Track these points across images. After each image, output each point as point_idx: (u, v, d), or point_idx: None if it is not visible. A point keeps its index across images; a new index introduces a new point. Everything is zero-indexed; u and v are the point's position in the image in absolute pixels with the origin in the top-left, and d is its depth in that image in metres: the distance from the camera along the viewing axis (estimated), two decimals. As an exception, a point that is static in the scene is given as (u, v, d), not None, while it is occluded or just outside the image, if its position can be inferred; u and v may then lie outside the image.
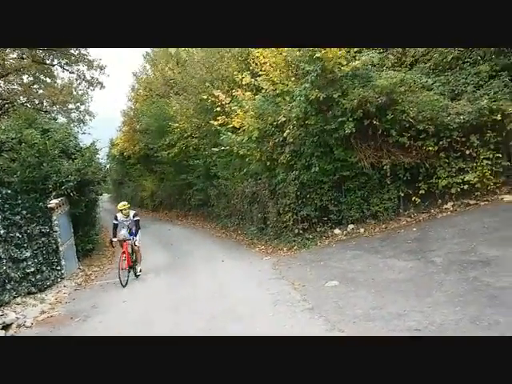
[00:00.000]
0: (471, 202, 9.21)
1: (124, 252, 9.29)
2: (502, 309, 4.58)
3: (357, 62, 9.59)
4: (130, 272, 9.49)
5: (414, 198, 9.70)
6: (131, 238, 9.61)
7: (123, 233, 9.69)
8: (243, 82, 12.41)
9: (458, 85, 10.64)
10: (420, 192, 9.66)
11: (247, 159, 12.03)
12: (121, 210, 9.74)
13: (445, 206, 9.45)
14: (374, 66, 10.63)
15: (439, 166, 9.59)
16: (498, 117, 9.18)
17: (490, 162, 9.20)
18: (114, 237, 9.74)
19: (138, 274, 9.79)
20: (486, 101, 9.51)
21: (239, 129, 12.18)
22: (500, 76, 9.92)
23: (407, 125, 9.56)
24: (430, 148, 9.49)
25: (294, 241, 10.22)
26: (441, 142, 9.52)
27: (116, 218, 9.79)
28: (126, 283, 9.16)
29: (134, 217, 9.85)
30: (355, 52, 10.05)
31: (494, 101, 9.51)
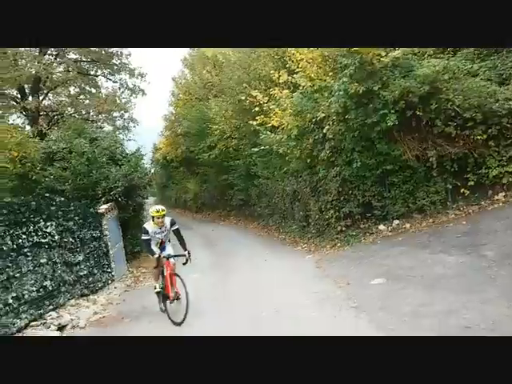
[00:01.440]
0: (525, 191, 8.71)
1: (170, 275, 6.80)
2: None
3: (396, 51, 9.27)
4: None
5: (462, 189, 9.26)
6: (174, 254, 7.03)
7: (157, 249, 7.14)
8: (280, 81, 12.41)
9: (506, 68, 10.05)
10: (469, 183, 9.20)
11: (287, 157, 12.01)
12: (153, 218, 6.93)
13: (496, 197, 8.95)
14: (415, 54, 10.25)
15: (489, 155, 9.09)
16: (553, 100, 8.61)
17: (544, 149, 8.64)
18: (152, 254, 6.96)
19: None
20: (538, 84, 8.95)
21: (278, 127, 12.21)
22: (554, 57, 9.29)
23: (453, 113, 9.14)
24: (479, 137, 9.01)
25: (337, 238, 10.09)
26: (490, 130, 9.01)
27: (146, 232, 6.95)
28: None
29: (171, 225, 7.11)
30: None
31: (545, 83, 8.94)
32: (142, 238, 7.09)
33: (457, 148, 9.26)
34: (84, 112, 24.08)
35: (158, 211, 6.91)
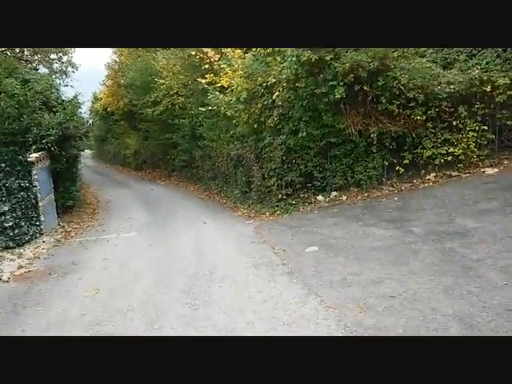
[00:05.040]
0: (453, 173, 9.29)
1: None
2: (475, 280, 4.71)
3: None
4: None
5: (397, 167, 9.73)
6: None
7: None
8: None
9: (451, 53, 10.54)
10: (404, 162, 9.68)
11: (234, 121, 11.79)
12: None
13: (427, 177, 9.52)
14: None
15: (425, 136, 9.57)
16: (488, 88, 9.16)
17: (475, 135, 9.23)
18: None
19: None
20: (477, 71, 9.46)
21: (227, 88, 11.89)
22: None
23: (397, 92, 9.43)
24: (418, 117, 9.42)
25: (277, 206, 10.24)
26: (429, 112, 9.45)
27: None
28: None
29: None
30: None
31: (486, 71, 9.45)
32: None
33: (397, 126, 9.62)
34: (17, 50, 21.89)
35: None
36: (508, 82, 9.10)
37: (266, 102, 10.70)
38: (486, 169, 9.10)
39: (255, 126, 11.07)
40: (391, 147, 9.76)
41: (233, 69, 11.56)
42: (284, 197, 10.31)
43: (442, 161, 9.37)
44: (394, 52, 9.50)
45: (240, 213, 11.05)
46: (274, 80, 10.25)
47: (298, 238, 7.77)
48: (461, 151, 9.24)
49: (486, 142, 9.36)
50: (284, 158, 10.25)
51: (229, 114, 11.62)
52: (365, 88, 9.40)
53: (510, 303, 4.12)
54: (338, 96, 9.16)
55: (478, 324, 3.81)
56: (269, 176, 10.52)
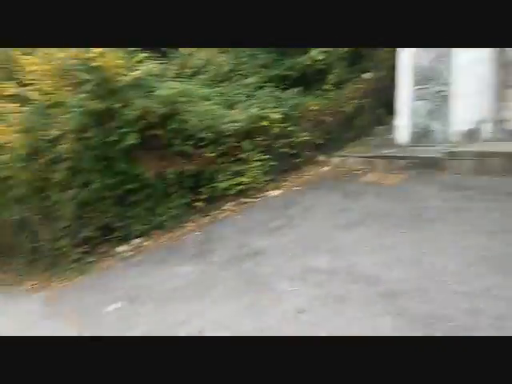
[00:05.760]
0: (246, 200, 9.97)
1: None
2: (269, 292, 4.86)
3: (137, 71, 9.31)
4: None
5: (197, 203, 9.92)
6: None
7: None
8: (7, 93, 10.66)
9: (232, 95, 11.61)
10: (203, 197, 9.95)
11: (11, 182, 10.19)
12: None
13: (224, 207, 9.96)
14: (156, 76, 10.52)
15: (218, 171, 10.13)
16: (266, 123, 10.42)
17: (260, 164, 10.29)
18: None
19: None
20: (255, 109, 10.70)
21: (1, 147, 10.31)
22: (265, 88, 11.45)
23: (190, 133, 9.80)
24: (211, 154, 9.93)
25: (72, 268, 8.92)
26: (219, 148, 10.07)
27: None
28: None
29: None
30: (136, 62, 9.74)
31: (262, 109, 10.72)
32: None
33: (193, 165, 9.91)
34: None
35: None
36: (279, 116, 10.62)
37: (50, 157, 9.61)
38: (272, 192, 10.13)
39: (38, 183, 9.76)
40: (189, 185, 9.96)
41: (8, 124, 10.13)
42: (80, 256, 9.12)
43: (236, 190, 10.03)
44: (181, 97, 9.90)
45: (26, 286, 9.24)
46: (58, 132, 9.35)
47: (96, 298, 6.84)
48: (249, 179, 10.12)
49: (269, 169, 10.50)
50: (77, 213, 9.20)
51: (3, 175, 10.01)
52: (157, 132, 9.45)
53: (299, 306, 4.36)
54: (130, 142, 8.95)
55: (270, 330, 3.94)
56: (60, 237, 9.25)
